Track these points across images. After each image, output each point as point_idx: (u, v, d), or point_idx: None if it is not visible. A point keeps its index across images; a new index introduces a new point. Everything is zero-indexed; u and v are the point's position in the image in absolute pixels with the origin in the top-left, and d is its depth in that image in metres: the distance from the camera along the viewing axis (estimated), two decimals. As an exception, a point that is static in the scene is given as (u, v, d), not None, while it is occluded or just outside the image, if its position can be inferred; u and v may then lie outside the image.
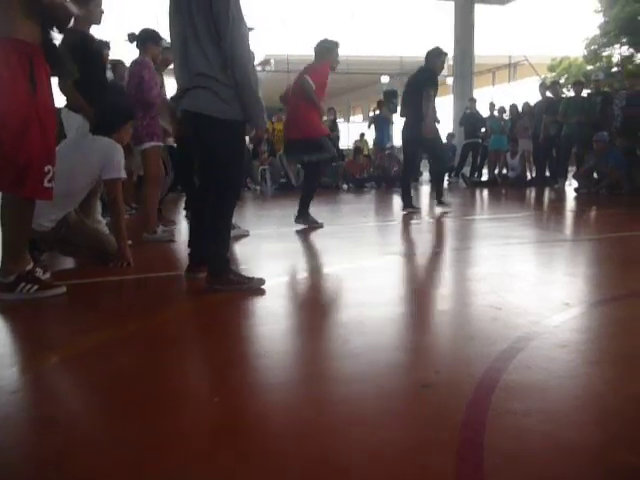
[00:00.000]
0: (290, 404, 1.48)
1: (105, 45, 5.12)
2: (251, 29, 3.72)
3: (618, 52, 18.96)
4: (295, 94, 4.82)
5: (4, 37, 2.29)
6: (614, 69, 18.93)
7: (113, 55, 5.67)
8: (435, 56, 5.82)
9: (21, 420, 1.44)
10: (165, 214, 5.20)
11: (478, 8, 15.97)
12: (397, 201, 7.95)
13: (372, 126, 10.91)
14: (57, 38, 2.52)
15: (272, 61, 18.47)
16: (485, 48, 17.52)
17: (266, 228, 5.12)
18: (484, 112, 10.70)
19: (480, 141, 10.51)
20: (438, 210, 6.00)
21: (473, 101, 11.11)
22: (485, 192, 8.89)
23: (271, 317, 2.34)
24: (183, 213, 5.67)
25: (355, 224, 5.26)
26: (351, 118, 27.26)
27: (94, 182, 3.22)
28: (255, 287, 2.66)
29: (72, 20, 2.50)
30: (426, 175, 10.64)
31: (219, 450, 1.25)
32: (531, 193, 8.24)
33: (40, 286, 2.50)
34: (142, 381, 1.66)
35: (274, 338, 2.06)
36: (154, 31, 4.11)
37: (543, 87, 9.33)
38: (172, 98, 3.74)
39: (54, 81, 2.80)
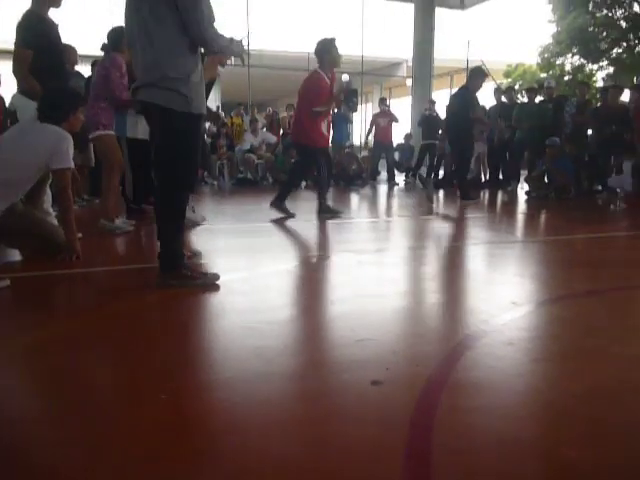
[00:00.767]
0: (234, 402, 1.46)
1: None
2: (249, 33, 3.75)
3: (570, 61, 19.65)
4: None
5: None
6: (566, 77, 19.62)
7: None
8: (476, 76, 6.25)
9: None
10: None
11: (438, 12, 16.23)
12: (355, 199, 8.00)
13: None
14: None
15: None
16: (444, 51, 17.84)
17: (222, 224, 5.06)
18: (442, 114, 10.89)
19: (437, 142, 10.69)
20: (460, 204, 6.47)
21: (432, 103, 11.28)
22: (441, 193, 9.05)
23: (222, 313, 2.31)
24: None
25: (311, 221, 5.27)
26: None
27: (41, 171, 3.09)
28: (209, 283, 2.63)
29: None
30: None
31: (164, 449, 1.22)
32: (485, 195, 8.45)
33: None
34: (84, 380, 1.60)
35: (224, 334, 2.04)
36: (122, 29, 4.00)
37: (498, 92, 9.57)
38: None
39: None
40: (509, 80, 21.68)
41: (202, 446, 1.23)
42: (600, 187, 7.42)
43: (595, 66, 19.11)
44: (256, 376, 1.62)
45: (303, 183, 9.81)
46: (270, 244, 3.97)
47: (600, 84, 17.62)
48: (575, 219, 5.70)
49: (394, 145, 10.98)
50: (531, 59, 21.33)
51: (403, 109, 16.50)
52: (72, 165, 3.13)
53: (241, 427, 1.33)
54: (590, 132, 7.57)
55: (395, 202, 8.00)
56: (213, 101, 13.51)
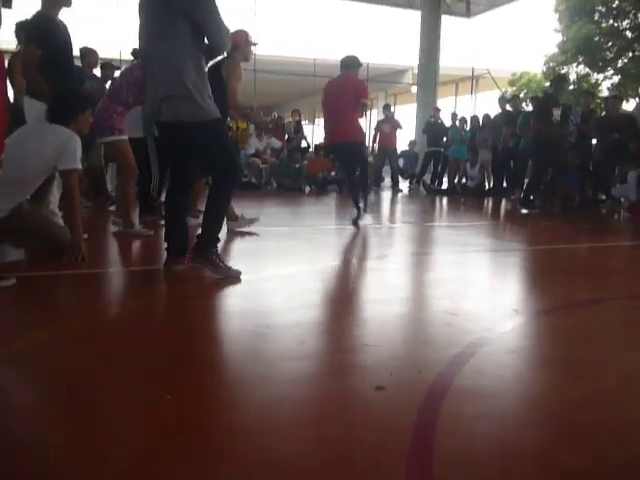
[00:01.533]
0: (238, 404, 1.48)
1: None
2: (255, 44, 3.86)
3: (575, 70, 19.68)
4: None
5: None
6: (571, 87, 19.64)
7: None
8: (559, 84, 7.08)
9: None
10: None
11: (444, 19, 16.29)
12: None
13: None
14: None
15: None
16: (450, 59, 17.91)
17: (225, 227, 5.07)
18: (447, 122, 10.92)
19: (442, 150, 10.71)
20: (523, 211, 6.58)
21: (438, 110, 11.31)
22: (444, 200, 9.07)
23: (224, 316, 2.33)
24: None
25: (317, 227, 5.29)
26: (317, 120, 27.33)
27: (48, 172, 3.11)
28: (232, 275, 2.84)
29: None
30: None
31: (166, 448, 1.23)
32: (488, 203, 8.46)
33: None
34: (88, 379, 1.62)
35: (226, 338, 2.05)
36: None
37: (503, 100, 9.58)
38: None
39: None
40: (514, 88, 21.70)
41: (202, 448, 1.24)
42: (604, 196, 7.41)
43: (600, 76, 19.12)
44: (257, 380, 1.63)
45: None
46: (273, 249, 3.99)
47: (605, 94, 17.62)
48: (579, 228, 5.71)
49: (398, 152, 11.00)
50: (536, 68, 21.39)
51: (408, 116, 16.55)
52: (79, 166, 3.15)
53: (242, 430, 1.34)
54: (595, 141, 7.57)
55: (398, 208, 8.02)
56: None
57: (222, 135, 2.90)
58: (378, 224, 5.85)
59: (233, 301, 2.62)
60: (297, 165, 9.98)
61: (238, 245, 4.08)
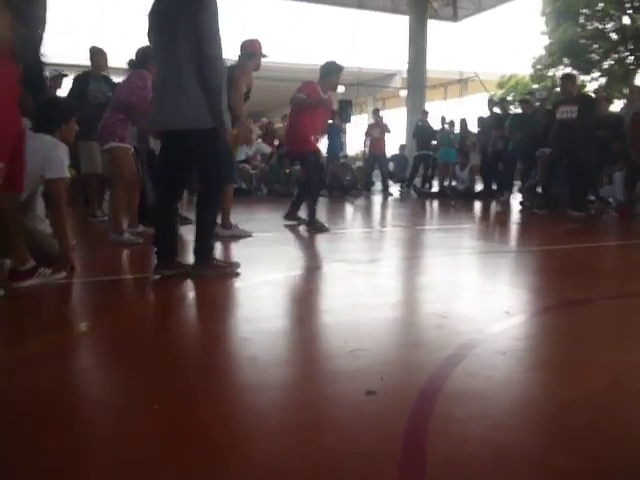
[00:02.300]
0: (228, 412, 1.46)
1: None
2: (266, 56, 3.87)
3: (561, 72, 19.86)
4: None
5: None
6: (558, 89, 19.81)
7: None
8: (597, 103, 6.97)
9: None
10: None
11: (432, 23, 16.40)
12: (349, 209, 8.03)
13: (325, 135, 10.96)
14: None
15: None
16: (438, 63, 17.99)
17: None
18: (436, 125, 10.98)
19: (431, 153, 10.76)
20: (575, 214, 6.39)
21: (425, 114, 11.37)
22: (435, 203, 9.10)
23: (216, 323, 2.31)
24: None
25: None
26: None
27: (36, 181, 3.08)
28: (235, 269, 3.06)
29: None
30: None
31: (155, 458, 1.21)
32: (478, 205, 8.50)
33: (53, 270, 2.74)
34: (73, 390, 1.59)
35: (218, 345, 2.04)
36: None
37: (491, 103, 9.65)
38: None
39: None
40: (502, 91, 21.88)
41: (192, 456, 1.23)
42: (593, 197, 7.47)
43: (587, 77, 19.31)
44: (250, 387, 1.61)
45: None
46: (262, 254, 3.97)
47: (593, 95, 17.78)
48: (568, 229, 5.74)
49: (388, 156, 11.04)
50: (524, 70, 21.57)
51: (397, 120, 16.60)
52: (67, 175, 3.12)
53: (234, 437, 1.33)
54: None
55: (389, 212, 8.04)
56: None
57: (218, 144, 2.92)
58: (369, 228, 5.86)
59: (224, 308, 2.60)
60: (287, 170, 9.98)
61: (229, 251, 4.06)
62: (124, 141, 4.14)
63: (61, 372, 1.72)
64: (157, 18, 2.85)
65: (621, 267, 3.77)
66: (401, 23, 16.58)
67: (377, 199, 9.74)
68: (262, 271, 3.29)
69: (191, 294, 2.83)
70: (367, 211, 8.12)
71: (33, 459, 1.22)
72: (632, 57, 18.33)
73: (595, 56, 18.75)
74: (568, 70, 19.50)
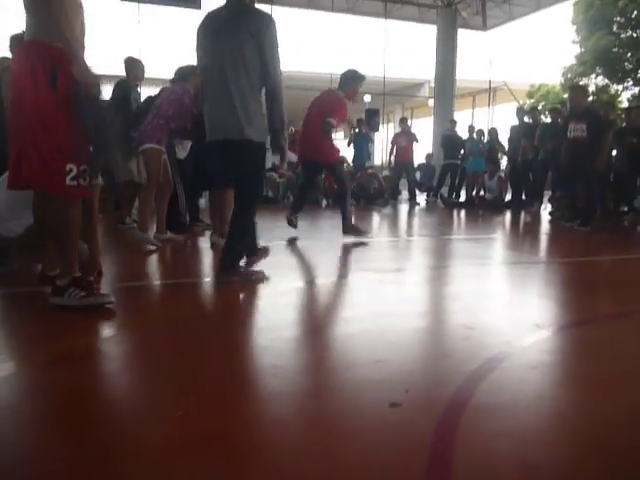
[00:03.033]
0: (250, 421, 1.45)
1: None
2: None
3: (594, 82, 19.52)
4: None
5: (33, 40, 2.28)
6: (590, 98, 19.45)
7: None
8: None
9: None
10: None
11: (461, 33, 16.31)
12: (376, 218, 7.98)
13: (352, 144, 10.97)
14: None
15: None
16: (467, 72, 17.90)
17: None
18: (463, 134, 10.87)
19: (459, 162, 10.65)
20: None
21: (453, 123, 11.28)
22: (462, 213, 8.99)
23: (240, 330, 2.30)
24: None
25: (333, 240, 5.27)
26: (334, 135, 27.42)
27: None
28: (261, 277, 3.10)
29: None
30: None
31: (178, 465, 1.21)
32: (507, 215, 8.37)
33: (88, 293, 2.44)
34: (99, 395, 1.61)
35: (242, 352, 2.03)
36: (193, 66, 4.15)
37: (521, 112, 9.51)
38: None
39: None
40: (532, 100, 21.59)
41: (217, 465, 1.22)
42: (626, 208, 7.28)
43: (620, 86, 18.92)
44: (272, 395, 1.60)
45: (324, 202, 9.87)
46: (289, 262, 3.97)
47: (626, 105, 17.41)
48: (600, 240, 5.59)
49: (415, 165, 10.96)
50: (554, 79, 21.26)
51: (425, 129, 16.53)
52: (100, 181, 3.18)
53: (257, 447, 1.31)
54: (615, 153, 7.44)
55: (416, 222, 7.97)
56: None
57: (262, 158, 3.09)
58: (395, 237, 5.81)
59: (248, 314, 2.60)
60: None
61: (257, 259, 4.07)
62: (160, 144, 4.27)
63: (82, 376, 1.74)
64: (213, 34, 2.94)
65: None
66: (430, 32, 16.55)
67: (404, 208, 9.67)
68: (288, 279, 3.29)
69: (216, 300, 2.84)
70: (393, 220, 8.06)
71: (72, 459, 1.23)
72: (667, 66, 17.92)
73: (629, 65, 18.37)
74: (600, 79, 19.18)
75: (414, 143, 10.43)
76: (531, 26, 47.89)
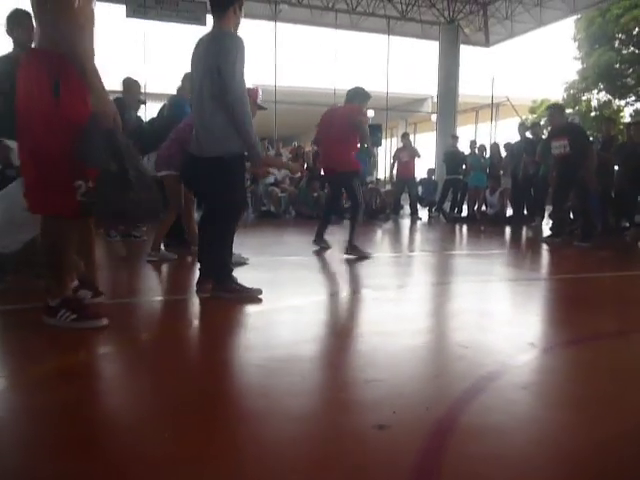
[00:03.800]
0: (234, 443, 1.43)
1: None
2: (264, 109, 3.87)
3: (596, 97, 19.61)
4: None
5: (39, 48, 2.29)
6: (593, 113, 19.52)
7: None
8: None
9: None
10: None
11: (463, 49, 16.42)
12: (377, 234, 7.98)
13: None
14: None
15: (260, 91, 18.68)
16: (469, 87, 17.97)
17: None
18: (465, 150, 10.90)
19: (461, 177, 10.66)
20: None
21: (455, 138, 11.32)
22: (464, 228, 8.98)
23: (232, 349, 2.29)
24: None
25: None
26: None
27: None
28: (254, 295, 3.07)
29: None
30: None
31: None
32: (508, 231, 8.35)
33: (78, 316, 2.39)
34: (75, 418, 1.59)
35: (232, 372, 2.02)
36: None
37: (523, 127, 9.53)
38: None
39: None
40: (534, 116, 21.66)
41: (198, 488, 1.21)
42: (627, 224, 7.25)
43: (623, 102, 18.98)
44: (259, 417, 1.59)
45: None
46: (286, 279, 3.96)
47: (628, 120, 17.44)
48: (601, 257, 5.57)
49: (417, 180, 10.98)
50: (556, 95, 21.35)
51: (428, 144, 16.57)
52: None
53: (241, 469, 1.30)
54: (617, 168, 7.44)
55: (417, 237, 7.96)
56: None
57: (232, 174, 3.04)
58: (396, 253, 5.80)
59: (241, 333, 2.59)
60: (315, 194, 10.03)
61: (252, 275, 4.07)
62: (177, 169, 4.29)
63: (72, 394, 1.73)
64: (196, 59, 3.07)
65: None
66: (433, 48, 16.66)
67: (405, 223, 9.67)
68: (285, 296, 3.28)
69: (211, 319, 2.83)
70: (395, 236, 8.06)
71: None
72: (669, 81, 17.98)
73: (631, 81, 18.44)
74: (602, 95, 19.25)
75: (416, 158, 10.46)
76: (533, 42, 48.25)
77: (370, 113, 18.96)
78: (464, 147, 11.03)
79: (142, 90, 5.90)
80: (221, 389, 1.82)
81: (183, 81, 5.49)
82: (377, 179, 12.44)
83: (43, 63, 2.25)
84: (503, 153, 10.10)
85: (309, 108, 18.77)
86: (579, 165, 6.01)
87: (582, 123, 9.26)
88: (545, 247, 6.22)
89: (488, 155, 10.49)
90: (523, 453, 1.41)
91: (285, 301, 3.13)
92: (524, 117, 18.10)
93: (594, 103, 19.61)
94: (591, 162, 6.12)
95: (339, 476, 1.27)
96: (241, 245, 5.78)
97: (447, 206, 10.76)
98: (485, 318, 2.88)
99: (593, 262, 5.19)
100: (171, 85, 5.67)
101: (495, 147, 10.66)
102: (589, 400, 1.77)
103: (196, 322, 2.74)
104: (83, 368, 2.01)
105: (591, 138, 7.29)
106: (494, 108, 18.93)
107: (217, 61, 2.86)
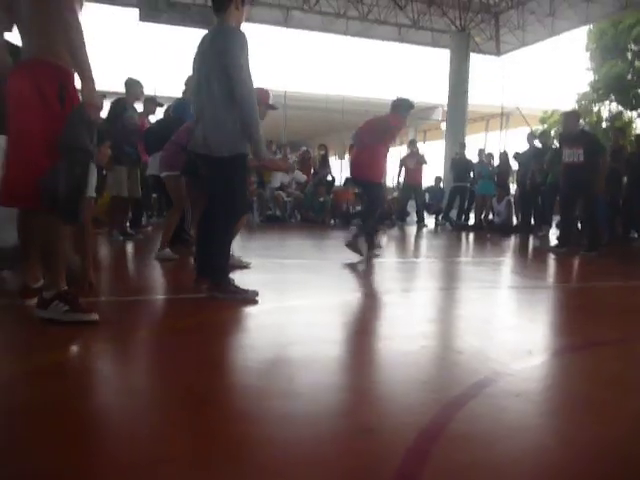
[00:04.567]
0: (212, 442, 1.39)
1: None
2: (275, 108, 3.81)
3: (608, 109, 19.49)
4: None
5: (39, 58, 2.29)
6: (604, 124, 19.39)
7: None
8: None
9: None
10: None
11: (474, 57, 16.38)
12: (382, 240, 7.93)
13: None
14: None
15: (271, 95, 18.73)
16: (480, 96, 17.91)
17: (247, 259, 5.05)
18: (474, 158, 10.84)
19: (468, 185, 10.59)
20: None
21: (462, 146, 11.26)
22: (470, 236, 8.91)
23: (223, 349, 2.26)
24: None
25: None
26: (346, 156, 27.52)
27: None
28: (250, 298, 2.99)
29: None
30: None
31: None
32: (514, 239, 8.26)
33: (71, 308, 2.38)
34: (71, 410, 1.56)
35: (224, 372, 1.98)
36: None
37: (531, 136, 9.46)
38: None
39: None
40: (545, 126, 21.56)
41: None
42: (636, 234, 7.15)
43: (634, 113, 18.84)
44: (243, 418, 1.54)
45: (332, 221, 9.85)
46: (287, 281, 3.93)
47: None
48: (607, 266, 5.48)
49: (424, 187, 10.92)
50: (567, 106, 21.23)
51: (438, 152, 16.51)
52: (93, 194, 3.19)
53: (221, 470, 1.26)
54: (625, 178, 7.35)
55: (423, 244, 7.90)
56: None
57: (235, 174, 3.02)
58: (401, 259, 5.75)
59: (231, 334, 2.55)
60: (321, 199, 10.01)
61: (251, 277, 4.04)
62: (175, 170, 4.34)
63: (58, 390, 1.70)
64: (198, 57, 3.04)
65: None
66: (444, 56, 16.63)
67: (411, 230, 9.61)
68: (278, 298, 3.24)
69: (207, 319, 2.80)
70: (401, 242, 8.00)
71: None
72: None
73: (643, 92, 18.33)
74: (614, 106, 19.13)
75: (423, 165, 10.41)
76: (545, 52, 48.14)
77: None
78: (472, 155, 10.97)
79: (143, 90, 5.93)
80: (208, 388, 1.78)
81: (187, 83, 5.52)
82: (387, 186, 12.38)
83: (49, 76, 2.26)
84: (512, 162, 10.03)
85: (318, 113, 18.81)
86: (590, 174, 5.93)
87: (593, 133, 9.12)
88: (551, 256, 6.14)
89: (496, 163, 10.42)
90: (509, 461, 1.35)
91: (279, 303, 3.09)
92: (534, 127, 17.99)
93: (605, 114, 19.48)
94: (603, 167, 6.05)
95: (326, 478, 1.22)
96: (244, 248, 5.77)
97: (455, 214, 10.69)
98: (483, 324, 2.83)
99: (598, 271, 5.11)
100: (182, 88, 5.72)
101: (504, 156, 10.58)
102: (582, 408, 1.71)
103: (186, 321, 2.70)
104: (69, 365, 1.98)
105: None
106: (504, 117, 18.84)
107: (221, 59, 2.84)
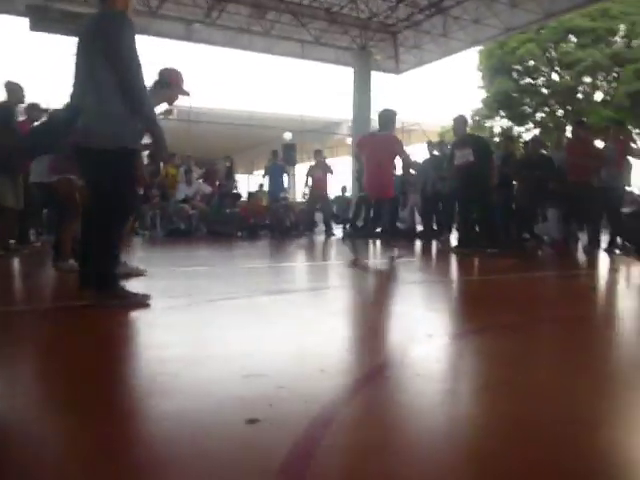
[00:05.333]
0: (90, 442, 1.18)
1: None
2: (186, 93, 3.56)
3: (499, 124, 20.88)
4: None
5: None
6: (496, 139, 20.73)
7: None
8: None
9: None
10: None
11: (376, 75, 16.92)
12: (288, 248, 7.83)
13: (267, 176, 10.90)
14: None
15: (175, 111, 18.20)
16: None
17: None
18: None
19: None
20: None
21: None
22: (377, 242, 9.05)
23: (110, 353, 2.01)
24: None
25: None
26: (255, 172, 27.38)
27: None
28: (142, 301, 2.79)
29: None
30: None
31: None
32: (418, 243, 8.50)
33: None
34: None
35: (107, 376, 1.74)
36: None
37: (431, 146, 9.84)
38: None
39: None
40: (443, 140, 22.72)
41: None
42: (528, 235, 7.57)
43: (522, 128, 20.33)
44: (120, 416, 1.33)
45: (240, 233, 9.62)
46: (183, 286, 3.69)
47: (527, 145, 18.68)
48: (504, 262, 5.72)
49: (331, 197, 11.02)
50: (463, 121, 22.52)
51: (344, 168, 16.78)
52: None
53: (96, 469, 1.05)
54: (515, 183, 7.78)
55: (330, 250, 7.89)
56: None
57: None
58: (311, 262, 5.65)
59: (116, 337, 2.30)
60: (228, 210, 9.77)
61: (145, 283, 3.75)
62: (68, 173, 4.05)
63: None
64: (78, 44, 2.82)
65: (554, 294, 3.69)
66: (348, 74, 17.04)
67: (318, 239, 9.61)
68: (166, 300, 3.02)
69: (89, 325, 2.51)
70: (309, 249, 7.94)
71: None
72: (561, 110, 19.50)
73: (528, 109, 19.83)
74: (505, 121, 20.56)
75: (328, 174, 10.50)
76: (442, 71, 51.36)
77: (287, 135, 19.07)
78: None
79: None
80: (92, 391, 1.54)
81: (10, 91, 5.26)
82: (287, 197, 12.32)
83: None
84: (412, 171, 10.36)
85: (225, 129, 18.53)
86: (481, 170, 6.25)
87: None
88: (453, 256, 6.33)
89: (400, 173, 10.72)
90: (404, 443, 1.25)
91: (166, 304, 2.87)
92: (433, 140, 18.88)
93: (497, 129, 20.85)
94: (492, 163, 6.42)
95: (198, 474, 1.05)
96: (145, 259, 5.41)
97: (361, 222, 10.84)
98: (383, 314, 2.81)
99: (496, 267, 5.31)
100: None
101: (406, 166, 10.92)
102: (479, 386, 1.67)
103: (66, 331, 2.41)
104: None
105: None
106: (406, 133, 19.60)
107: (104, 43, 2.63)
